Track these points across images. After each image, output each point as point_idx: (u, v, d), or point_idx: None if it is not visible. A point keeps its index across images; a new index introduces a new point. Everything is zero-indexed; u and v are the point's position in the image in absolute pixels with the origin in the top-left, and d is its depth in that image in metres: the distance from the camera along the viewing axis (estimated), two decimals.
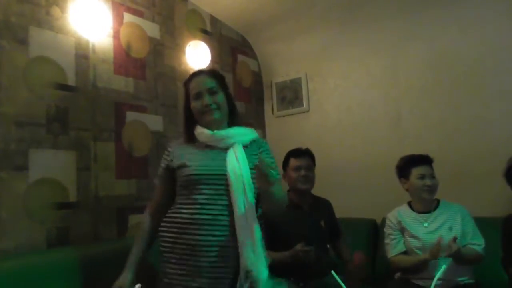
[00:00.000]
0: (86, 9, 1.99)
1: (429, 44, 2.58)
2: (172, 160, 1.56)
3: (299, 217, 2.07)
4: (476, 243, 1.88)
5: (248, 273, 1.39)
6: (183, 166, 1.50)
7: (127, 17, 2.25)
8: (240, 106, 2.92)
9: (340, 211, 2.28)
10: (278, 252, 1.86)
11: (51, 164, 1.82)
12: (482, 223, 1.95)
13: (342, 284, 1.43)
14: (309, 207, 2.13)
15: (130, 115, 2.19)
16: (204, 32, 2.79)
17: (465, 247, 1.85)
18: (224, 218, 1.44)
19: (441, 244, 1.76)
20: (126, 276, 1.47)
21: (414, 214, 2.01)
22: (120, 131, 2.13)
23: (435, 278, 1.50)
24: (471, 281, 1.87)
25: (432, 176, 1.98)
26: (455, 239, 1.75)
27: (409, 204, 2.06)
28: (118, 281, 1.46)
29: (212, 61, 2.75)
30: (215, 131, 1.53)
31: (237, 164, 1.46)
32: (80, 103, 1.96)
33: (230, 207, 1.44)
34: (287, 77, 3.20)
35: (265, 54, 3.26)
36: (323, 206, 2.20)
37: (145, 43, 2.33)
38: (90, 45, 2.04)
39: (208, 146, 1.54)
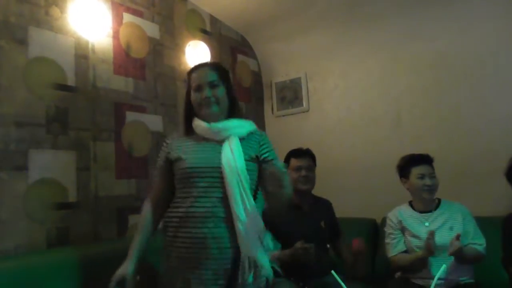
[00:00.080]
0: (85, 9, 1.99)
1: (429, 44, 2.58)
2: (169, 152, 1.56)
3: (299, 217, 2.06)
4: (477, 243, 1.88)
5: (250, 260, 1.40)
6: (179, 159, 1.51)
7: (127, 17, 2.25)
8: (240, 106, 2.91)
9: (340, 211, 2.28)
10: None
11: (51, 164, 1.81)
12: (483, 223, 1.95)
13: (342, 284, 1.43)
14: (310, 208, 2.12)
15: (130, 115, 2.19)
16: (204, 32, 2.79)
17: (467, 247, 1.84)
18: (219, 210, 1.43)
19: (438, 242, 1.76)
20: (128, 265, 1.46)
21: (415, 213, 2.01)
22: (119, 131, 2.12)
23: (436, 278, 1.49)
24: (471, 280, 1.87)
25: (432, 176, 1.97)
26: (458, 236, 1.74)
27: (410, 204, 2.06)
28: (121, 269, 1.44)
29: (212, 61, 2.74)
30: (212, 124, 1.52)
31: (231, 156, 1.45)
32: (80, 103, 1.96)
33: (225, 199, 1.43)
34: (287, 77, 3.20)
35: (265, 54, 3.26)
36: (324, 207, 2.20)
37: (144, 43, 2.33)
38: (90, 45, 2.04)
39: (205, 139, 1.54)
